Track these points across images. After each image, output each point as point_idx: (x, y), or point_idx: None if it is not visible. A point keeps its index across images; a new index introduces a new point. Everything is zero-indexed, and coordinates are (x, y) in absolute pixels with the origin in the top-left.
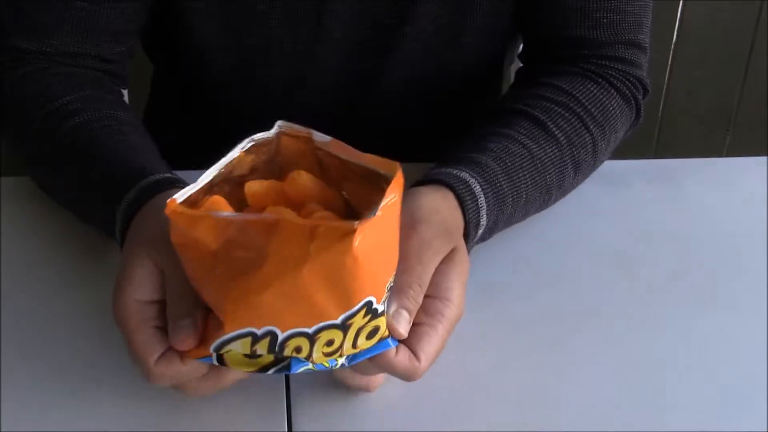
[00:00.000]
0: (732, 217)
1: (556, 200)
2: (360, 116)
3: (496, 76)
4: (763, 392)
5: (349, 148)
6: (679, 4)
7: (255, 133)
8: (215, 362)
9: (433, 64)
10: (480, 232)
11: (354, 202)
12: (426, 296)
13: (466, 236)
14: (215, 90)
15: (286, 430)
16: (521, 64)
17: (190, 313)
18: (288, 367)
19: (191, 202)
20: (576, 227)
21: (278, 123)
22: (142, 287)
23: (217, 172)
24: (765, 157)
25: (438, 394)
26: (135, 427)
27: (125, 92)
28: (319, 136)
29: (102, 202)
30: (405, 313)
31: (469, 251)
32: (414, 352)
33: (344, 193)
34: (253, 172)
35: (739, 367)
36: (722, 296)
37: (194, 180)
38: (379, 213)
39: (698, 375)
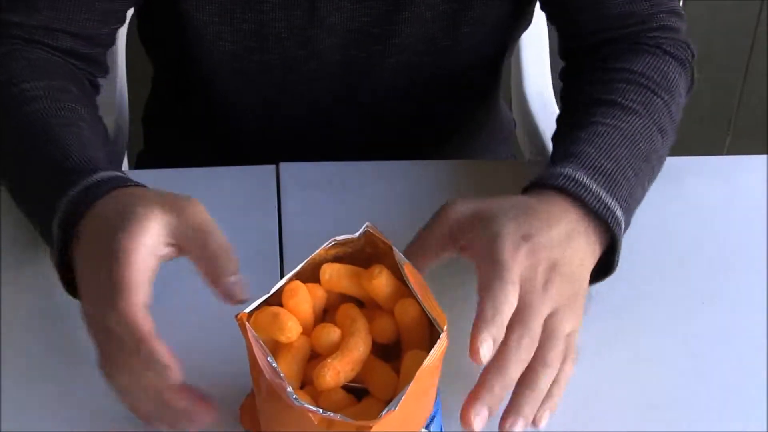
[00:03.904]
0: (732, 216)
1: (658, 169)
2: (357, 102)
3: (495, 67)
4: (763, 392)
5: (419, 276)
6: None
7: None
8: None
9: (431, 52)
10: (622, 224)
11: (404, 338)
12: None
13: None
14: (212, 78)
15: None
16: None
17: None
18: None
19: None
20: None
21: (366, 224)
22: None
23: (298, 269)
24: (765, 157)
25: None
26: (135, 427)
27: (125, 93)
28: (398, 255)
29: (47, 187)
30: (491, 341)
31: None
32: None
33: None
34: (338, 261)
35: (739, 367)
36: (722, 295)
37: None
38: (397, 408)
39: (698, 375)
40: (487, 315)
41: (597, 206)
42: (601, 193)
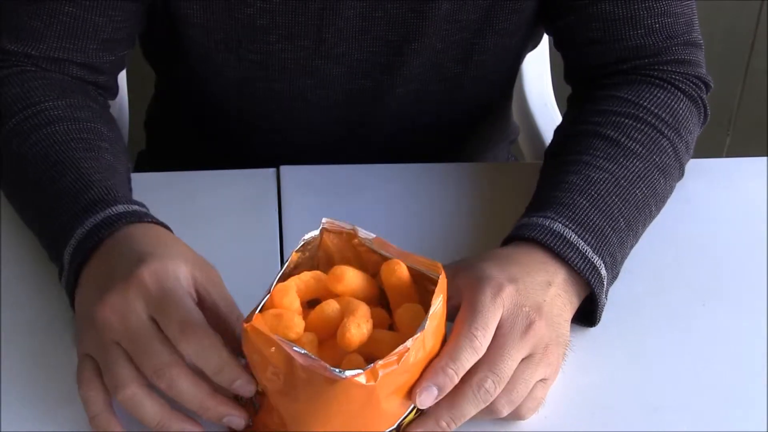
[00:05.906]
0: (732, 217)
1: (658, 209)
2: (364, 131)
3: (505, 89)
4: (763, 392)
5: (392, 246)
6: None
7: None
8: None
9: (440, 80)
10: (606, 281)
11: (392, 299)
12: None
13: (596, 295)
14: (216, 102)
15: None
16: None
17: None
18: None
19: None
20: None
21: (323, 220)
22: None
23: (278, 277)
24: (765, 157)
25: None
26: (134, 427)
27: (125, 95)
28: (363, 233)
29: (63, 216)
30: (435, 390)
31: (606, 297)
32: None
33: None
34: (297, 268)
35: (739, 367)
36: (722, 296)
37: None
38: (398, 366)
39: (698, 374)
40: (441, 362)
41: (581, 265)
42: (587, 251)
